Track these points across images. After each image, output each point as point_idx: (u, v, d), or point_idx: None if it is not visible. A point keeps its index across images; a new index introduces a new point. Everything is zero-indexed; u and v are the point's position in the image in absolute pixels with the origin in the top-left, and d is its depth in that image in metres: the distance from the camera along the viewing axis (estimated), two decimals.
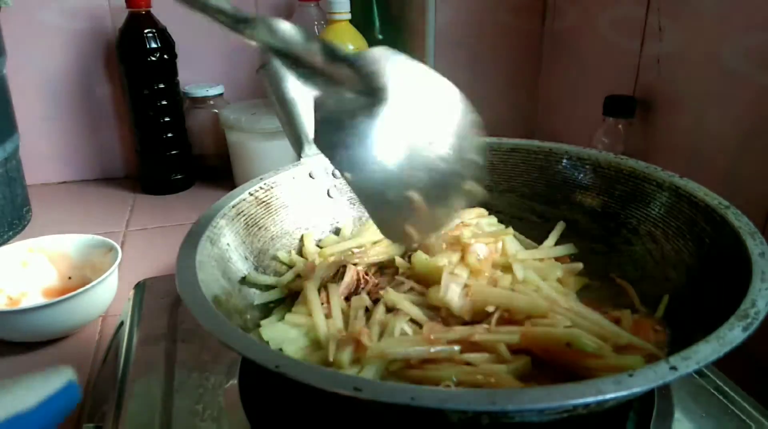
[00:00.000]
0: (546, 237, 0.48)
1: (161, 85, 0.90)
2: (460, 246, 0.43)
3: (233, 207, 0.44)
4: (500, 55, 0.92)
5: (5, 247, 0.64)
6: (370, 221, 0.50)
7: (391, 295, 0.40)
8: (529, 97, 0.96)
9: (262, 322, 0.41)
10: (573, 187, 0.50)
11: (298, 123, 0.51)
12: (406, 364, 0.34)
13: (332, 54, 0.33)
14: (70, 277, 0.66)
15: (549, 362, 0.34)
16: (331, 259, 0.45)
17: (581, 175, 0.49)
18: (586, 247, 0.47)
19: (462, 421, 0.26)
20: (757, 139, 0.56)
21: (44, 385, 0.28)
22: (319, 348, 0.38)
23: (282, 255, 0.47)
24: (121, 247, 0.67)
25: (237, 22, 0.33)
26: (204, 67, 0.99)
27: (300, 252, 0.49)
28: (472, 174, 0.34)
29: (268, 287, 0.44)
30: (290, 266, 0.47)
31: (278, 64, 0.50)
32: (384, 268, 0.46)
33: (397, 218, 0.33)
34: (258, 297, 0.43)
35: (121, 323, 0.51)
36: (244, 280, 0.42)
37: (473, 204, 0.47)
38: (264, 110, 0.89)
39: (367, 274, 0.43)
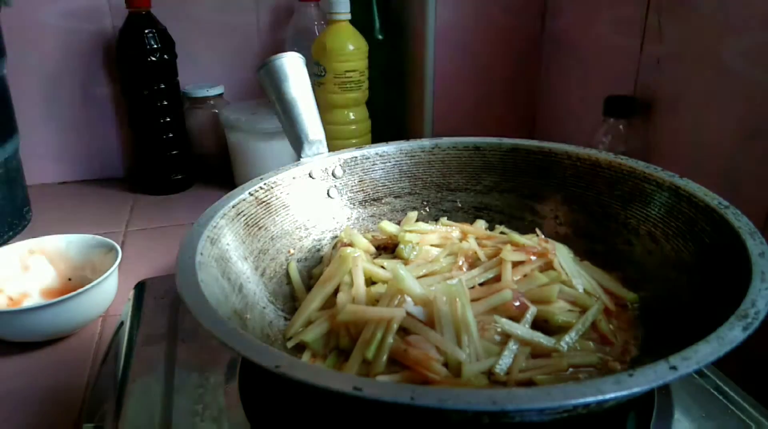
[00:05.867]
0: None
1: (161, 85, 0.90)
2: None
3: (233, 207, 0.44)
4: (500, 55, 0.92)
5: (5, 248, 0.64)
6: None
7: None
8: (529, 97, 0.96)
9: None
10: (573, 187, 0.50)
11: (298, 123, 0.51)
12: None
13: None
14: (70, 278, 0.66)
15: None
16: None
17: (581, 175, 0.49)
18: (586, 247, 0.47)
19: (462, 421, 0.26)
20: (757, 139, 0.56)
21: None
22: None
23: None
24: (121, 247, 0.67)
25: None
26: (204, 67, 0.99)
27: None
28: None
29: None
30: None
31: (278, 64, 0.50)
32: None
33: None
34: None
35: (121, 323, 0.51)
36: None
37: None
38: (264, 110, 0.89)
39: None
